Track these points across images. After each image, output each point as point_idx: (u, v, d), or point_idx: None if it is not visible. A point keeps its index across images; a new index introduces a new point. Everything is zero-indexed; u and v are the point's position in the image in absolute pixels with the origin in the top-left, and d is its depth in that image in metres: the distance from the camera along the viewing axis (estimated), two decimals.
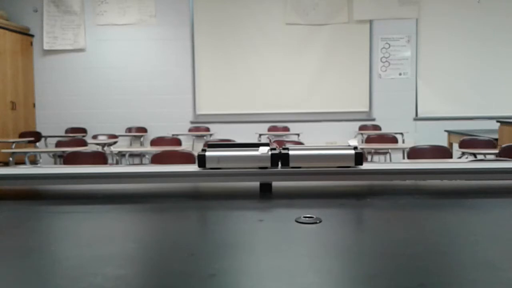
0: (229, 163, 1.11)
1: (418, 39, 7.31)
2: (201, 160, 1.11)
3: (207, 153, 1.12)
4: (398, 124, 7.15)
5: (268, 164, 1.10)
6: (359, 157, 1.12)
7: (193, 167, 1.14)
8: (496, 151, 4.09)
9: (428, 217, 0.86)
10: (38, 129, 7.57)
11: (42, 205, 1.01)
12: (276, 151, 1.12)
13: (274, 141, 5.01)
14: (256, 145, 1.15)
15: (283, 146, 1.16)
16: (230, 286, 0.54)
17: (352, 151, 1.12)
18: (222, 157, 1.11)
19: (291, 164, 1.11)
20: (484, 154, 4.28)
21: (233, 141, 4.90)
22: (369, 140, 5.68)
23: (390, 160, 6.19)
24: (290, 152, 1.12)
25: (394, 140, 5.49)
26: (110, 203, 1.02)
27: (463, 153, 4.42)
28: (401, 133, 6.51)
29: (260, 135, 6.99)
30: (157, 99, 7.53)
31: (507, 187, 1.16)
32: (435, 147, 4.11)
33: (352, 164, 1.11)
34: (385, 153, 6.49)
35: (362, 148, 4.28)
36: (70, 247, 0.69)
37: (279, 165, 1.12)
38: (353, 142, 1.24)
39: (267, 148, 1.13)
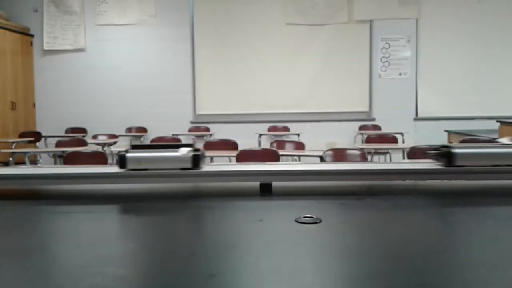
0: (150, 164, 1.08)
1: (418, 39, 7.31)
2: (122, 161, 1.08)
3: (128, 154, 1.09)
4: (398, 124, 7.15)
5: (189, 165, 1.08)
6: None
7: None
8: None
9: (428, 217, 0.86)
10: (38, 129, 7.57)
11: (42, 205, 1.01)
12: (198, 152, 1.10)
13: (274, 141, 5.01)
14: (179, 146, 1.12)
15: (446, 145, 1.14)
16: (230, 285, 0.54)
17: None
18: (143, 158, 1.09)
19: (456, 163, 1.08)
20: None
21: (233, 141, 4.89)
22: (369, 140, 5.68)
23: (390, 160, 6.18)
24: (454, 150, 1.09)
25: (394, 140, 5.49)
26: (110, 203, 1.02)
27: None
28: (401, 133, 6.50)
29: (260, 135, 6.99)
30: (157, 99, 7.52)
31: (507, 187, 1.16)
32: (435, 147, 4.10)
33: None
34: (385, 153, 6.48)
35: (361, 148, 4.28)
36: (70, 247, 0.69)
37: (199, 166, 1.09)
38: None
39: (187, 149, 1.10)
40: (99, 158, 3.88)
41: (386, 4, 7.20)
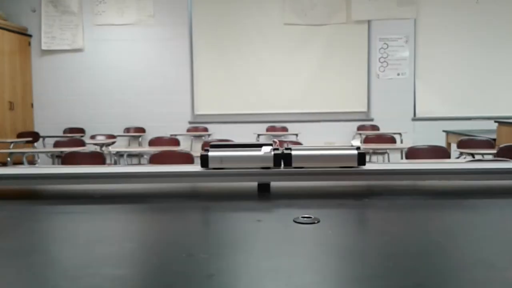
0: (231, 163, 1.11)
1: (416, 39, 7.32)
2: (204, 160, 1.11)
3: (210, 153, 1.12)
4: (396, 124, 7.16)
5: (271, 164, 1.11)
6: (362, 158, 1.12)
7: (196, 167, 1.14)
8: (494, 151, 4.10)
9: (427, 217, 0.86)
10: (36, 129, 7.56)
11: (42, 205, 1.01)
12: (279, 151, 1.12)
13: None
14: (258, 145, 1.15)
15: (286, 146, 1.16)
16: (229, 286, 0.54)
17: (355, 151, 1.12)
18: (225, 157, 1.12)
19: (293, 164, 1.11)
20: (482, 154, 4.29)
21: (232, 141, 4.89)
22: (367, 140, 5.69)
23: (389, 160, 6.19)
24: (293, 152, 1.12)
25: (392, 140, 5.50)
26: (109, 203, 1.02)
27: (461, 153, 4.43)
28: (399, 133, 6.52)
29: (259, 135, 6.98)
30: (156, 99, 7.52)
31: (507, 187, 1.16)
32: (433, 147, 4.11)
33: (355, 164, 1.12)
34: (383, 153, 6.50)
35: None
36: (70, 247, 0.69)
37: (282, 165, 1.12)
38: (356, 142, 1.25)
39: (269, 147, 1.13)
40: (97, 158, 3.88)
41: (384, 4, 7.21)
